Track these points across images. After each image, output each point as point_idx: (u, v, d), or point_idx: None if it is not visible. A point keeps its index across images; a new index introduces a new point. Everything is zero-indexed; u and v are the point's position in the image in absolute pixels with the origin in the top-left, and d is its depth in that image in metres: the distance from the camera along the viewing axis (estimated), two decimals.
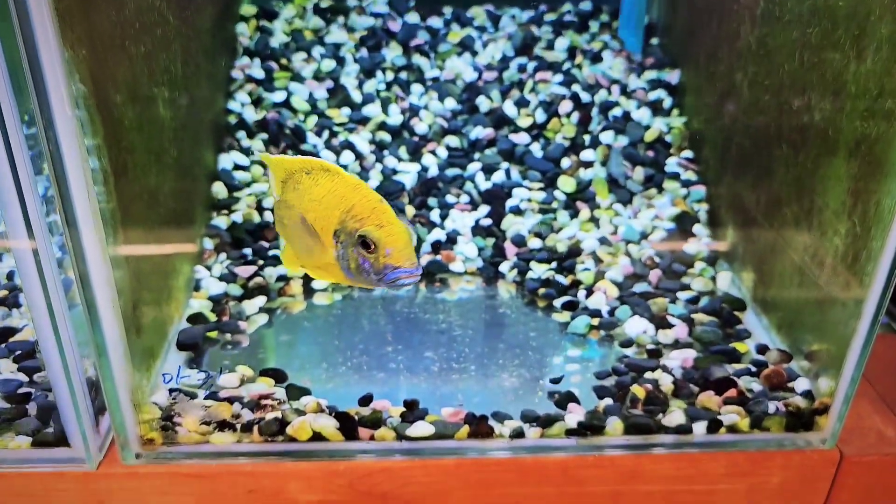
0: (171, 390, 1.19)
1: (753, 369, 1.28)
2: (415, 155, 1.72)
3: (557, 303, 1.46)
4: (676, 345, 1.36)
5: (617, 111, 1.78)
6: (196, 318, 1.37)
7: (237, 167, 1.66)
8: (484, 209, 1.63)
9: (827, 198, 1.21)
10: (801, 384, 1.24)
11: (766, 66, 1.40)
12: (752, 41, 1.45)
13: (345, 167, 1.69)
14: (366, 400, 1.22)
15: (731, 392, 1.23)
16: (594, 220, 1.62)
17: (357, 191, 0.97)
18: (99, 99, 1.00)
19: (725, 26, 1.57)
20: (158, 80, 1.25)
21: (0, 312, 1.35)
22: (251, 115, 1.73)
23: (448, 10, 1.98)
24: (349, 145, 1.71)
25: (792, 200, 1.31)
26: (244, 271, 1.47)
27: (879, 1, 1.07)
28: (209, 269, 1.48)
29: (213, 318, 1.39)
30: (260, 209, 1.59)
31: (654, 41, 1.95)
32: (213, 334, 1.36)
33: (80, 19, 0.94)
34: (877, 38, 1.08)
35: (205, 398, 1.19)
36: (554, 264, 1.53)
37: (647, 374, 1.28)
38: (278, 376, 1.27)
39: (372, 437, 1.17)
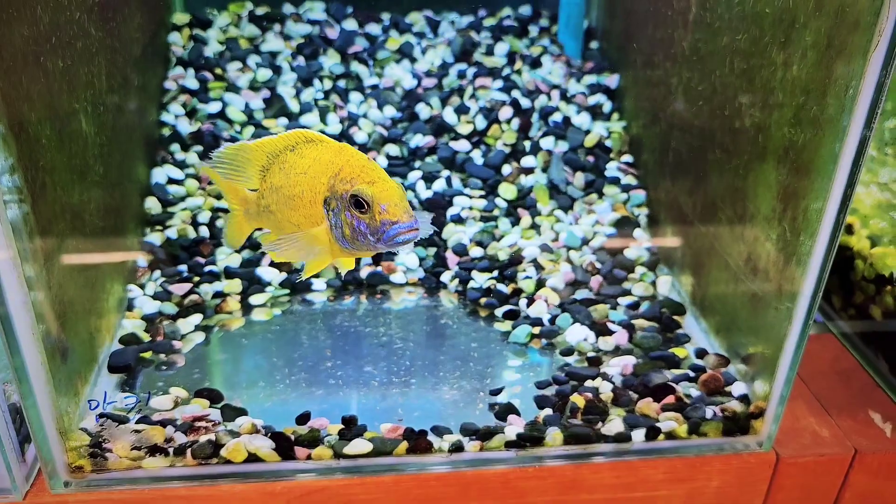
0: (99, 415, 1.15)
1: (692, 374, 1.29)
2: None
3: (499, 312, 1.46)
4: (617, 351, 1.36)
5: (557, 116, 1.78)
6: (128, 339, 1.34)
7: (171, 181, 1.62)
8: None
9: (758, 203, 1.22)
10: (738, 388, 1.25)
11: (699, 72, 1.41)
12: (685, 47, 1.46)
13: None
14: (303, 418, 1.20)
15: (670, 398, 1.23)
16: (535, 227, 1.62)
17: (342, 153, 0.93)
18: (11, 117, 0.97)
19: (660, 31, 1.58)
20: (80, 96, 1.22)
21: None
22: (185, 126, 1.69)
23: (386, 17, 1.96)
24: None
25: (726, 205, 1.33)
26: (179, 289, 1.44)
27: (804, 8, 1.08)
28: (142, 287, 1.44)
29: (146, 338, 1.35)
30: (195, 224, 1.56)
31: (594, 45, 1.96)
32: (147, 355, 1.33)
33: None
34: (802, 45, 1.09)
35: (136, 422, 1.16)
36: (495, 273, 1.53)
37: (588, 383, 1.28)
38: (214, 397, 1.24)
39: (309, 457, 1.15)
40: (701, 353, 1.35)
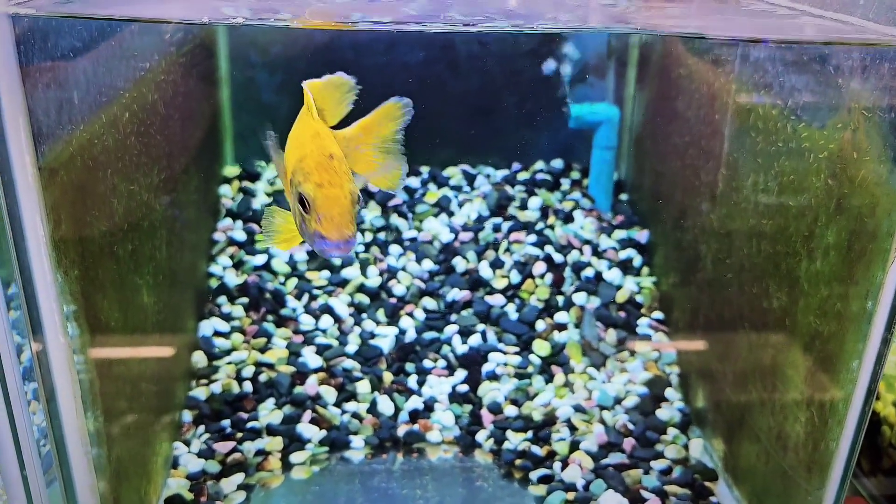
0: None
1: None
2: (392, 318, 1.77)
3: (533, 475, 1.48)
4: None
5: (589, 272, 1.85)
6: (174, 501, 1.38)
7: (217, 333, 1.69)
8: (461, 374, 1.67)
9: (787, 383, 1.26)
10: None
11: (726, 246, 1.47)
12: (713, 219, 1.53)
13: (324, 331, 1.73)
14: None
15: None
16: (569, 385, 1.66)
17: (315, 140, 0.86)
18: (88, 310, 1.05)
19: (688, 199, 1.65)
20: (143, 271, 1.30)
21: None
22: (233, 278, 1.77)
23: (425, 170, 2.07)
24: (328, 309, 1.75)
25: (756, 380, 1.36)
26: (223, 447, 1.48)
27: (825, 209, 1.15)
28: (188, 444, 1.49)
29: (190, 497, 1.39)
30: (239, 378, 1.62)
31: (623, 197, 2.04)
32: None
33: (74, 243, 0.99)
34: (824, 243, 1.15)
35: None
36: (530, 434, 1.56)
37: None
38: None
39: None
40: None
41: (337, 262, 1.84)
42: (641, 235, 1.93)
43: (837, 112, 1.12)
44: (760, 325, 1.34)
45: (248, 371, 1.63)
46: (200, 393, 1.58)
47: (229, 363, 1.64)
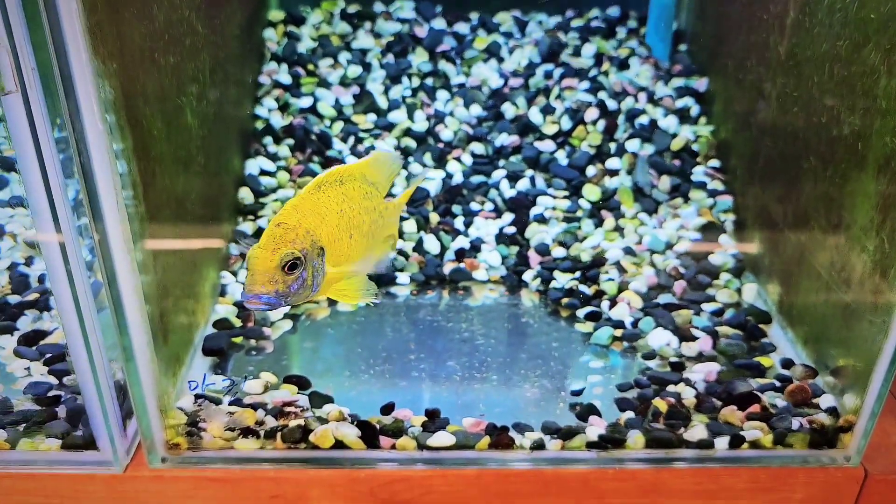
0: (196, 396, 1.21)
1: (778, 384, 1.27)
2: (440, 162, 1.73)
3: (580, 313, 1.46)
4: (700, 358, 1.35)
5: (643, 119, 1.77)
6: (221, 324, 1.39)
7: (263, 172, 1.67)
8: (508, 217, 1.64)
9: (855, 213, 1.20)
10: (826, 400, 1.23)
11: (795, 77, 1.38)
12: (781, 52, 1.44)
13: None
14: (387, 409, 1.23)
15: (755, 407, 1.22)
16: (619, 230, 1.62)
17: (284, 207, 1.01)
18: (128, 109, 1.02)
19: (754, 35, 1.55)
20: (186, 90, 1.27)
21: (31, 316, 1.38)
22: (278, 120, 1.74)
23: (475, 16, 1.98)
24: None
25: (820, 214, 1.30)
26: None
27: None
28: (235, 274, 1.50)
29: (238, 323, 1.41)
30: None
31: (682, 48, 1.94)
32: (238, 340, 1.38)
33: (111, 34, 0.96)
34: None
35: (229, 404, 1.21)
36: (578, 274, 1.53)
37: (670, 388, 1.27)
38: (302, 383, 1.28)
39: (393, 447, 1.18)
40: (787, 364, 1.33)
41: (383, 106, 1.80)
42: (700, 84, 1.83)
43: None
44: (828, 155, 1.27)
45: None
46: (247, 227, 1.58)
47: (276, 200, 1.63)
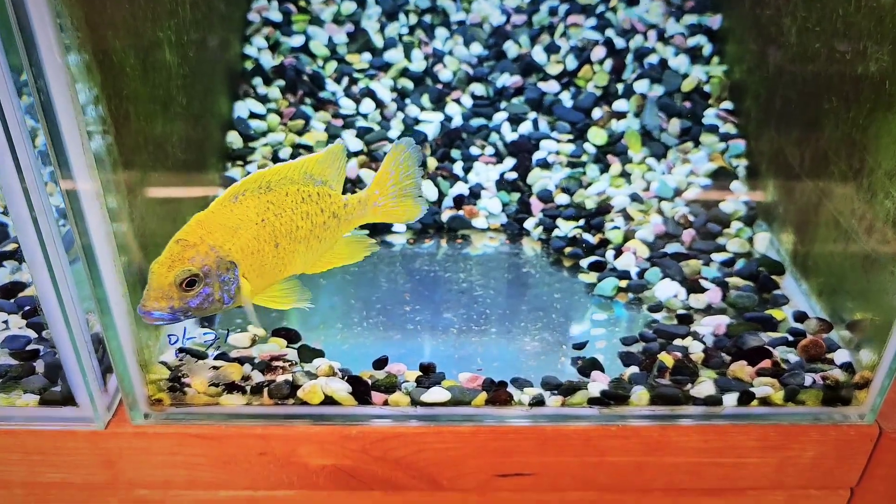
0: (178, 350, 1.15)
1: (790, 339, 1.21)
2: (438, 103, 1.64)
3: (584, 263, 1.39)
4: (709, 310, 1.29)
5: (653, 58, 1.68)
6: None
7: (253, 115, 1.59)
8: (509, 162, 1.56)
9: (879, 157, 1.12)
10: (841, 356, 1.17)
11: (817, 11, 1.29)
12: None
13: (364, 116, 1.62)
14: (380, 363, 1.17)
15: (766, 363, 1.16)
16: (625, 175, 1.54)
17: (189, 222, 1.01)
18: (95, 45, 0.94)
19: None
20: (164, 24, 1.19)
21: (10, 267, 1.32)
22: (268, 60, 1.66)
23: None
24: (370, 93, 1.63)
25: (840, 158, 1.22)
26: None
27: None
28: None
29: None
30: (276, 160, 1.53)
31: None
32: None
33: None
34: None
35: (214, 359, 1.16)
36: (581, 222, 1.46)
37: (677, 342, 1.21)
38: (291, 336, 1.22)
39: (386, 402, 1.13)
40: (800, 317, 1.26)
41: (379, 44, 1.71)
42: (714, 21, 1.73)
43: None
44: (853, 94, 1.19)
45: (285, 153, 1.54)
46: (236, 173, 1.50)
47: (265, 145, 1.55)
